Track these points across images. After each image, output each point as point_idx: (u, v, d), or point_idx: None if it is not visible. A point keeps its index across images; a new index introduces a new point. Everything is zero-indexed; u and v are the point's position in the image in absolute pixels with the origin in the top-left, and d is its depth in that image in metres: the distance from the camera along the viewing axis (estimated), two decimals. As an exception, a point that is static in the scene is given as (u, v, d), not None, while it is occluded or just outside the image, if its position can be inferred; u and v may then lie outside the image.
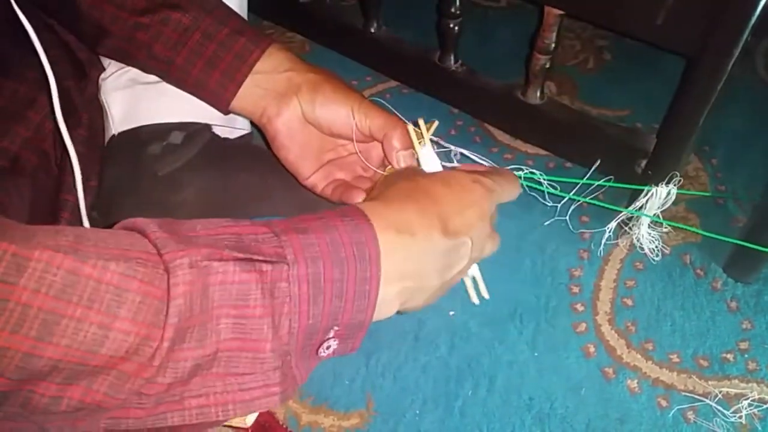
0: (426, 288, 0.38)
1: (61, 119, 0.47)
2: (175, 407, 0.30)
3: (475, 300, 0.49)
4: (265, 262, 0.30)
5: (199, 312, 0.28)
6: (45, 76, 0.57)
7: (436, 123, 0.52)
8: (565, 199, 0.50)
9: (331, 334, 0.34)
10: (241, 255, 0.30)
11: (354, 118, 0.49)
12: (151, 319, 0.27)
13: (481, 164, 0.48)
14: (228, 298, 0.29)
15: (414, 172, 0.44)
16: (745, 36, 0.47)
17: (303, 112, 0.50)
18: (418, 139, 0.49)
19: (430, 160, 0.47)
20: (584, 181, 0.49)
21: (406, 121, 0.53)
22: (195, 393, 0.30)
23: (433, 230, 0.37)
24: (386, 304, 0.36)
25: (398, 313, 0.39)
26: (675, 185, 0.48)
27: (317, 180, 0.55)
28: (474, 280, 0.50)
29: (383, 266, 0.34)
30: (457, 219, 0.38)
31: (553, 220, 0.53)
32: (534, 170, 0.48)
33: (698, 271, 0.62)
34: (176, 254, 0.28)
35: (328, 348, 0.34)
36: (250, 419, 0.38)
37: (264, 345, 0.30)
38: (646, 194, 0.49)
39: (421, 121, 0.48)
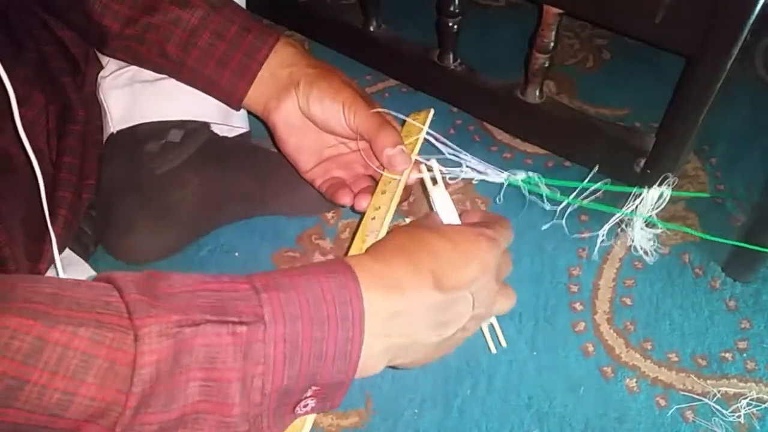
0: (419, 344, 0.36)
1: (18, 116, 0.46)
2: None
3: (493, 349, 0.48)
4: (241, 323, 0.30)
5: (167, 378, 0.28)
6: (37, 72, 0.57)
7: (432, 111, 0.51)
8: (563, 204, 0.50)
9: (309, 393, 0.33)
10: (214, 318, 0.29)
11: (344, 116, 0.49)
12: (118, 385, 0.27)
13: (477, 210, 0.47)
14: (197, 362, 0.29)
15: (416, 225, 0.42)
16: (744, 35, 0.47)
17: (300, 106, 0.51)
18: (415, 134, 0.48)
19: (441, 198, 0.45)
20: (583, 184, 0.49)
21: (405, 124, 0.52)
22: None
23: (424, 285, 0.35)
24: (371, 362, 0.35)
25: (394, 368, 0.38)
26: (669, 186, 0.48)
27: (315, 175, 0.55)
28: (491, 327, 0.49)
29: (367, 324, 0.33)
30: (454, 273, 0.36)
31: (551, 223, 0.53)
32: (532, 173, 0.48)
33: (697, 270, 0.62)
34: (146, 321, 0.28)
35: (305, 406, 0.34)
36: None
37: (231, 409, 0.29)
38: (638, 196, 0.49)
39: (434, 164, 0.46)
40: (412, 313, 0.35)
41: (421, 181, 0.46)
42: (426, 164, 0.46)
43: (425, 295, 0.35)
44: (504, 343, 0.48)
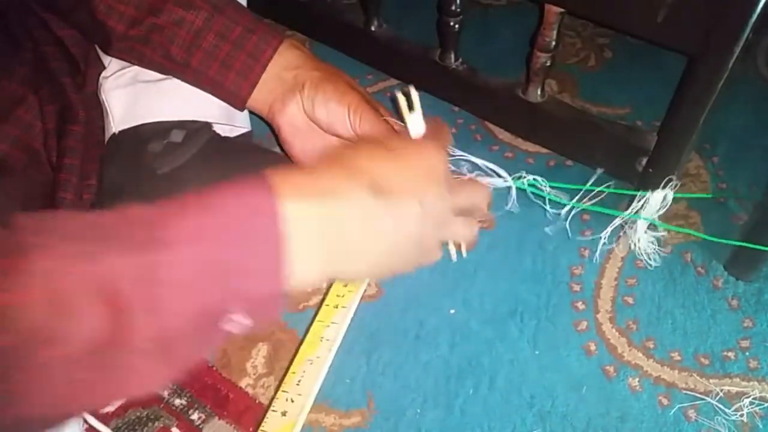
0: (363, 252, 0.35)
1: None
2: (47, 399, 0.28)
3: (453, 257, 0.47)
4: (142, 249, 0.28)
5: (58, 314, 0.27)
6: (36, 73, 0.57)
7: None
8: (567, 207, 0.50)
9: (236, 310, 0.31)
10: (109, 247, 0.28)
11: (349, 120, 0.49)
12: (6, 326, 0.26)
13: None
14: (94, 293, 0.27)
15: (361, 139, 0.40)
16: (746, 34, 0.47)
17: (305, 109, 0.51)
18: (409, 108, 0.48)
19: (416, 126, 0.44)
20: (586, 187, 0.49)
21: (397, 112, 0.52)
22: (63, 381, 0.28)
23: (359, 189, 0.34)
24: (306, 273, 0.33)
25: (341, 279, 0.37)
26: (672, 189, 0.48)
27: None
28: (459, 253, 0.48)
29: (295, 236, 0.32)
30: (393, 176, 0.35)
31: (554, 226, 0.53)
32: (537, 177, 0.47)
33: (699, 269, 0.62)
34: (31, 258, 0.27)
35: (233, 322, 0.32)
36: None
37: (139, 333, 0.28)
38: (641, 199, 0.49)
39: (412, 90, 0.45)
40: (346, 217, 0.34)
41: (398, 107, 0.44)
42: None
43: (360, 198, 0.34)
44: (465, 254, 0.47)
